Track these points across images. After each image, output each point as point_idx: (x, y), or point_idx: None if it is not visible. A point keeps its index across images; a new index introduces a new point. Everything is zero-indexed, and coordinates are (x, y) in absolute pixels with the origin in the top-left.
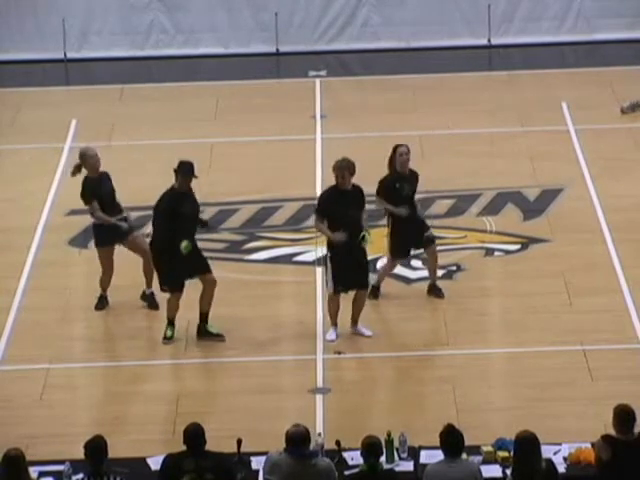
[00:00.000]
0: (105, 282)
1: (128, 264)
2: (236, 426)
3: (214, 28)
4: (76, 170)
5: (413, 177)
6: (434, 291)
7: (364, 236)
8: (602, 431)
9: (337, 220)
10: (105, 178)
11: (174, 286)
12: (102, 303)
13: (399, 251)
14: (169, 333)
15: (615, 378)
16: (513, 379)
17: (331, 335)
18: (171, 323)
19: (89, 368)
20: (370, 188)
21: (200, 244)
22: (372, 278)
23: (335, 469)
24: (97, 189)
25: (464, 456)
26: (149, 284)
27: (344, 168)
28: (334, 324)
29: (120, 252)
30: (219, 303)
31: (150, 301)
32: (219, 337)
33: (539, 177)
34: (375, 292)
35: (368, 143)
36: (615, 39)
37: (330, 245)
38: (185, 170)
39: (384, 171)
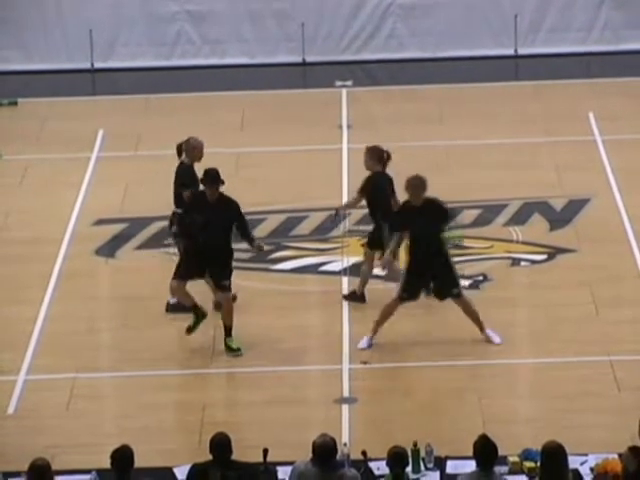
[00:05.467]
0: None
1: (155, 274)
2: (262, 436)
3: (240, 38)
4: (178, 151)
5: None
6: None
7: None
8: (629, 442)
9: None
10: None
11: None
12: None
13: None
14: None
15: None
16: (539, 389)
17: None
18: (194, 312)
19: (115, 378)
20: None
21: None
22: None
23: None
24: (186, 178)
25: (495, 469)
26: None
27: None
28: (372, 331)
29: (144, 262)
30: (245, 313)
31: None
32: (236, 352)
33: (565, 187)
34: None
35: (393, 153)
36: None
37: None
38: (205, 181)
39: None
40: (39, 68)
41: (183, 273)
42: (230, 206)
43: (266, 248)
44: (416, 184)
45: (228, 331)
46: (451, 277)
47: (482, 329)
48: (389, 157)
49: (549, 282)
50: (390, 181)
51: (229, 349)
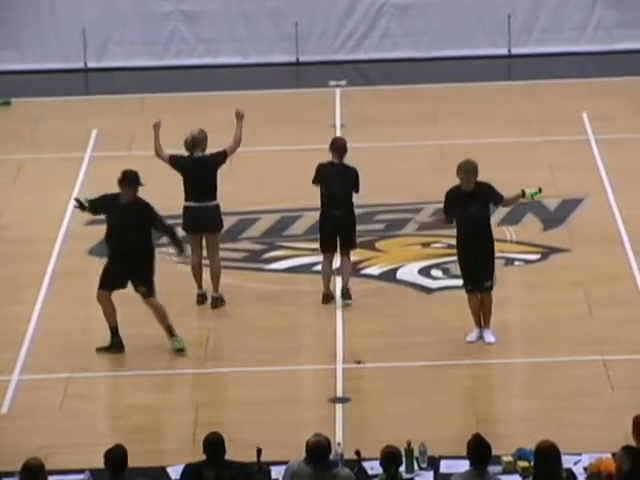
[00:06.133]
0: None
1: None
2: (256, 435)
3: (234, 38)
4: (186, 146)
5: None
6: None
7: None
8: (622, 441)
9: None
10: (199, 163)
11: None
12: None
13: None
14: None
15: (635, 388)
16: (533, 389)
17: (471, 337)
18: (111, 337)
19: (109, 378)
20: (386, 198)
21: (220, 253)
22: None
23: (355, 479)
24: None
25: (489, 468)
26: (216, 288)
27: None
28: (476, 325)
29: None
30: (240, 313)
31: (217, 303)
32: (180, 352)
33: (559, 187)
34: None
35: (387, 153)
36: (635, 49)
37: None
38: (123, 182)
39: (403, 181)
40: (33, 68)
41: (105, 282)
42: (141, 209)
43: (260, 248)
44: (467, 169)
45: (169, 331)
46: (490, 269)
47: (486, 327)
48: (342, 148)
49: (542, 282)
50: (343, 170)
51: (174, 350)
